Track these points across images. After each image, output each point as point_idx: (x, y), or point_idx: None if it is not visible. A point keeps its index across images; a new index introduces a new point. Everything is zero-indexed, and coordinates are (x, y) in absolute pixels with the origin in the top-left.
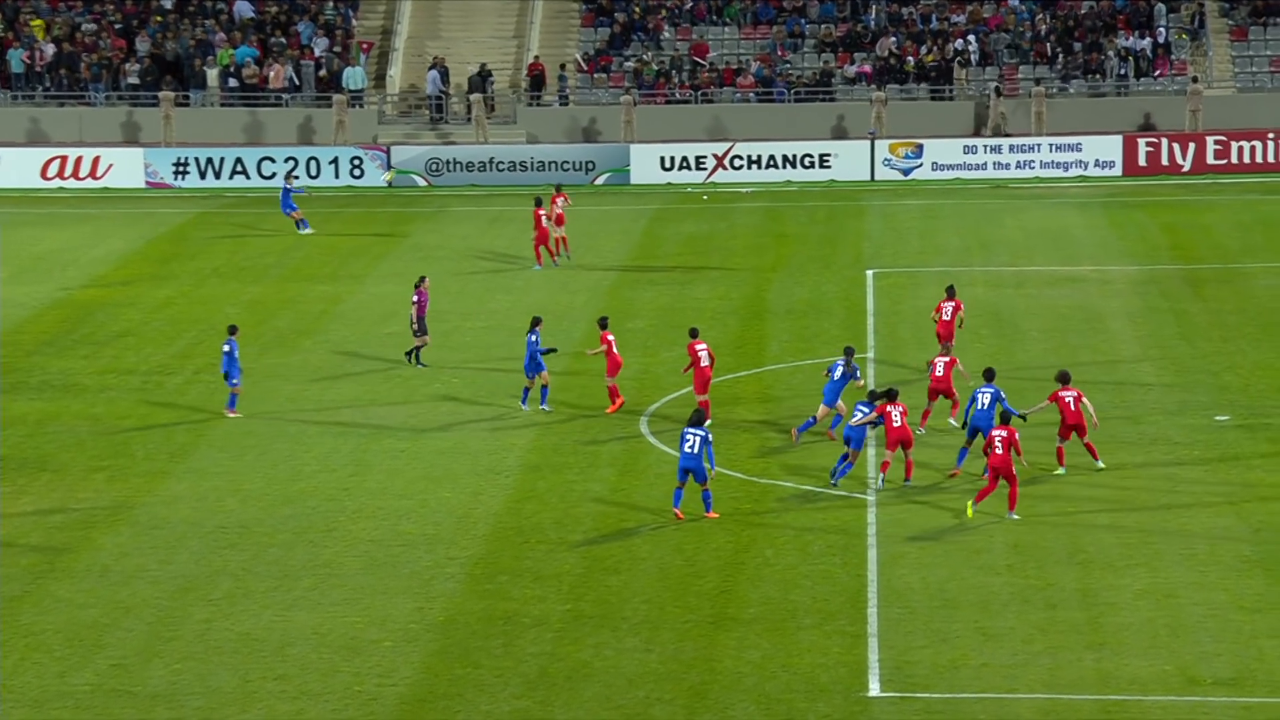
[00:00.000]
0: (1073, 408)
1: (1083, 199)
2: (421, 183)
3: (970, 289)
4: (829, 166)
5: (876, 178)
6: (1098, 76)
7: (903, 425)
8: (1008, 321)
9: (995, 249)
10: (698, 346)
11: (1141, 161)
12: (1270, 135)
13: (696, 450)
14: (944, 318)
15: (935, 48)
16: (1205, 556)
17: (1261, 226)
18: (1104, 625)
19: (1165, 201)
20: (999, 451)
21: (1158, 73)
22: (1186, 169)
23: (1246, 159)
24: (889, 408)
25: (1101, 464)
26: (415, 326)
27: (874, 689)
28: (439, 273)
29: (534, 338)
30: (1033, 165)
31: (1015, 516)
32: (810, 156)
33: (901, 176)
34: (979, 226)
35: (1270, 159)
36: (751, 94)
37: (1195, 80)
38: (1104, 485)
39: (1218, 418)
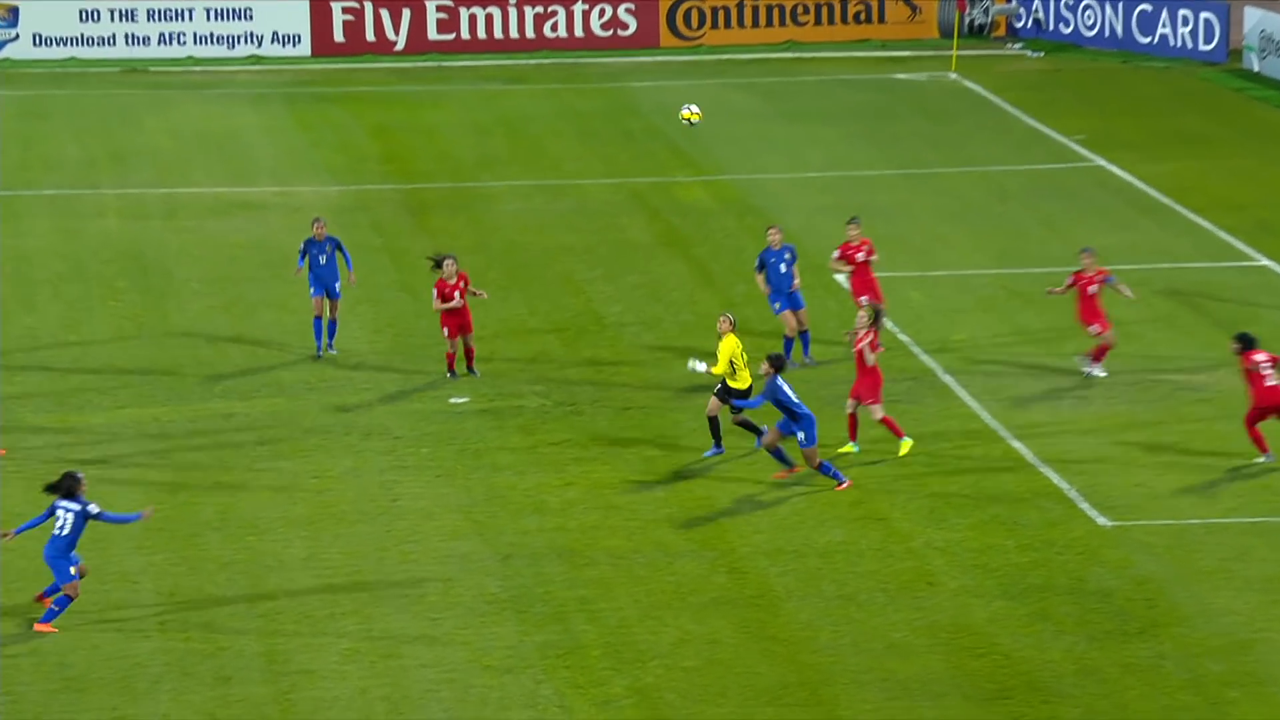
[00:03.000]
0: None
1: (258, 89)
2: None
3: (99, 220)
4: None
5: None
6: None
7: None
8: (155, 267)
9: (134, 162)
10: None
11: (338, 36)
12: (512, 1)
13: (67, 532)
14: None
15: None
16: (438, 598)
17: (504, 129)
18: (297, 702)
19: (374, 93)
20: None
21: None
22: (400, 47)
23: (481, 33)
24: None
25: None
26: None
27: None
28: None
29: None
30: (183, 40)
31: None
32: None
33: None
34: (109, 129)
35: (513, 32)
36: None
37: None
38: (299, 502)
39: (453, 400)
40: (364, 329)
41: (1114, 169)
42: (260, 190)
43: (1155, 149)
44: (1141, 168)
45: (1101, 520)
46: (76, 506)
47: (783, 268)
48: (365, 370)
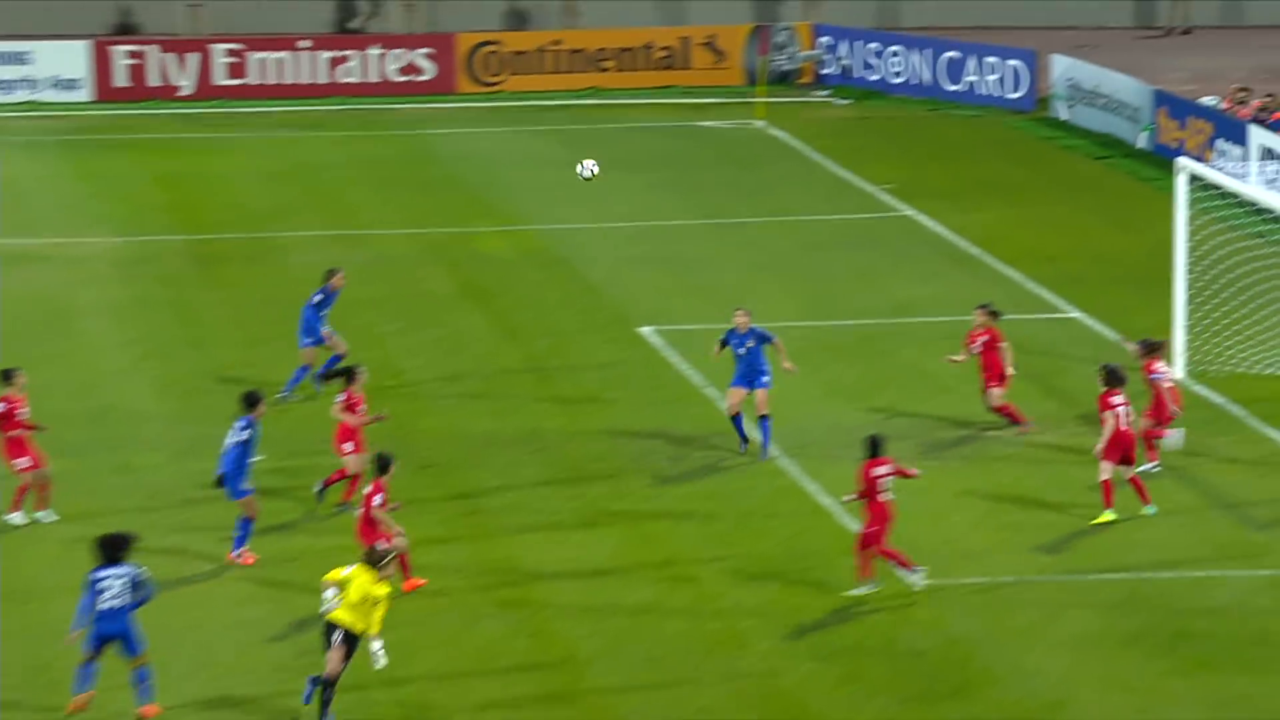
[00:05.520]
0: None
1: (36, 137)
2: None
3: None
4: None
5: None
6: None
7: None
8: None
9: None
10: None
11: (121, 80)
12: (302, 43)
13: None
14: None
15: None
16: (232, 663)
17: (296, 176)
18: None
19: (159, 141)
20: None
21: None
22: (188, 91)
23: (271, 76)
24: None
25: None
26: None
27: None
28: None
29: None
30: None
31: None
32: None
33: None
34: None
35: (304, 76)
36: None
37: None
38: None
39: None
40: (151, 386)
41: (923, 219)
42: (40, 242)
43: (964, 198)
44: (951, 217)
45: (914, 578)
46: (126, 573)
47: (742, 351)
48: (152, 427)
